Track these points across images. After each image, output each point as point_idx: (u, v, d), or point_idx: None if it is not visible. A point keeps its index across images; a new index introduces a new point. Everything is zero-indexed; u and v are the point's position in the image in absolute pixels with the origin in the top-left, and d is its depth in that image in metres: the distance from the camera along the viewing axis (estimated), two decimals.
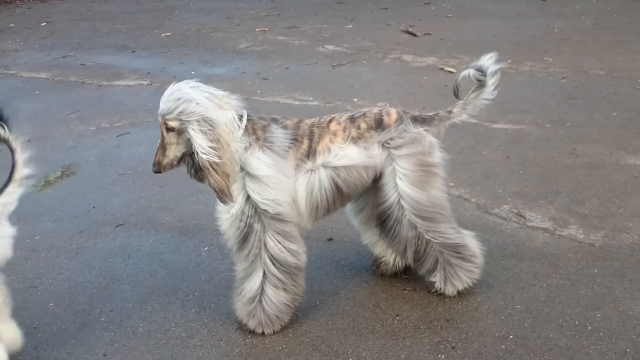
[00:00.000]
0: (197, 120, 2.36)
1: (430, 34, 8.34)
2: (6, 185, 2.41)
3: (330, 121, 2.70)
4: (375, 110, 2.77)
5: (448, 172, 4.07)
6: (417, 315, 2.81)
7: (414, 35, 8.33)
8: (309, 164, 2.60)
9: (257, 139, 2.52)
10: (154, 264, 3.34)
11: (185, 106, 2.36)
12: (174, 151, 2.44)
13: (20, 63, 7.76)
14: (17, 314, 2.93)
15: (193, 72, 7.04)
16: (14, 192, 2.42)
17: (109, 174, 4.51)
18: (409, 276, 3.07)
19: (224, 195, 2.43)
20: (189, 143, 2.41)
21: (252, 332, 2.72)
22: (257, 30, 9.16)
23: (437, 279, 2.87)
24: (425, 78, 6.50)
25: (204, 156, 2.35)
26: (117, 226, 3.76)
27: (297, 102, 5.95)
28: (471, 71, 2.74)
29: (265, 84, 6.55)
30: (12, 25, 10.29)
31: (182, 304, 2.98)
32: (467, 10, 9.81)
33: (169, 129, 2.41)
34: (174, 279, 3.19)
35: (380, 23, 9.27)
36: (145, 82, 6.76)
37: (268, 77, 6.82)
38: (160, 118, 2.43)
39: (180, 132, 2.40)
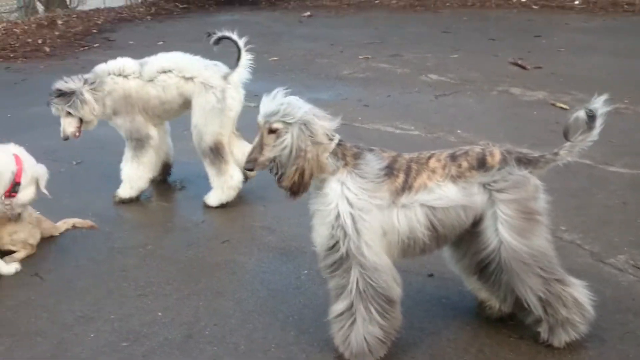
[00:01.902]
0: (299, 124, 2.44)
1: (540, 67, 8.10)
2: None
3: (429, 157, 2.66)
4: (478, 149, 2.69)
5: (560, 215, 3.97)
6: None
7: (524, 68, 8.12)
8: (403, 199, 2.55)
9: (346, 164, 2.54)
10: (256, 282, 3.43)
11: (290, 110, 2.46)
12: (269, 152, 2.52)
13: None
14: (128, 321, 3.12)
15: (297, 97, 7.23)
16: None
17: None
18: (516, 323, 2.94)
19: (294, 193, 2.51)
20: (281, 147, 2.49)
21: None
22: (360, 57, 9.27)
23: (542, 329, 2.75)
24: (535, 113, 6.31)
25: (292, 153, 2.44)
26: (224, 242, 3.90)
27: (398, 131, 5.95)
28: (581, 113, 2.62)
29: (366, 111, 6.60)
30: (132, 42, 11.03)
31: (282, 326, 3.03)
32: (579, 45, 9.45)
33: (272, 131, 2.48)
34: (275, 299, 3.26)
35: (488, 54, 9.11)
36: (252, 105, 6.99)
37: (369, 104, 6.88)
38: (261, 119, 2.50)
39: (279, 134, 2.48)
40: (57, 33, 11.75)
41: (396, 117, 6.35)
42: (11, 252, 3.73)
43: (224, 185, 4.35)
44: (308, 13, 14.13)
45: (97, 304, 3.28)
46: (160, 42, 10.89)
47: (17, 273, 3.58)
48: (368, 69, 8.58)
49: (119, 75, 4.30)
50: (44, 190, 3.71)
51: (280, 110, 2.46)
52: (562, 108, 6.27)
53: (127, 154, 4.45)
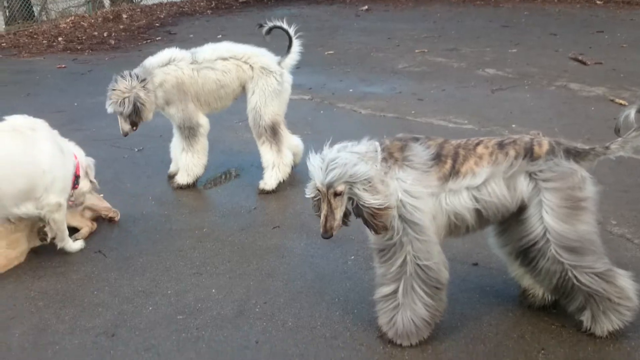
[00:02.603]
0: (361, 181, 2.49)
1: (601, 63, 7.90)
2: None
3: (477, 144, 2.71)
4: (527, 138, 2.72)
5: (611, 209, 3.93)
6: (564, 352, 2.72)
7: (584, 63, 7.94)
8: (450, 184, 2.63)
9: (396, 160, 2.61)
10: (304, 265, 3.56)
11: (347, 170, 2.48)
12: (340, 212, 2.58)
13: None
14: (183, 296, 3.30)
15: (351, 90, 7.32)
16: None
17: None
18: (559, 311, 2.97)
19: (383, 231, 2.57)
20: (347, 202, 2.58)
21: (391, 342, 2.80)
22: (416, 51, 9.26)
23: (585, 318, 2.76)
24: (592, 109, 6.19)
25: (371, 208, 2.50)
26: (274, 227, 4.05)
27: (451, 125, 5.96)
28: (632, 112, 2.60)
29: (420, 105, 6.62)
30: (192, 36, 11.36)
31: (328, 306, 3.14)
32: None
33: (337, 194, 2.53)
34: (322, 282, 3.38)
35: (548, 49, 8.94)
36: (306, 97, 7.14)
37: (423, 98, 6.89)
38: (323, 187, 2.51)
39: (342, 194, 2.54)
40: (121, 26, 12.24)
41: (450, 111, 6.35)
42: (75, 230, 4.00)
43: (279, 162, 4.58)
44: (366, 7, 14.16)
45: (155, 280, 3.48)
46: (220, 36, 11.17)
47: (82, 250, 3.83)
48: (424, 62, 8.57)
49: (168, 64, 4.49)
50: (93, 180, 3.98)
51: (341, 173, 2.48)
52: (621, 104, 6.12)
53: (181, 144, 4.66)
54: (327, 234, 2.55)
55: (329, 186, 2.49)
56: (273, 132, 4.56)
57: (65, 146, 3.76)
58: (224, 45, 4.68)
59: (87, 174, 3.91)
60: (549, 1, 13.59)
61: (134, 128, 4.53)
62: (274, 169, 4.59)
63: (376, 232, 2.60)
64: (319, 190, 2.54)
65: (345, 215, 2.65)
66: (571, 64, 8.01)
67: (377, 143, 2.65)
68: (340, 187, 2.50)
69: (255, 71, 4.53)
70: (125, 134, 4.52)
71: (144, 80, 4.41)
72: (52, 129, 3.72)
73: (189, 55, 4.55)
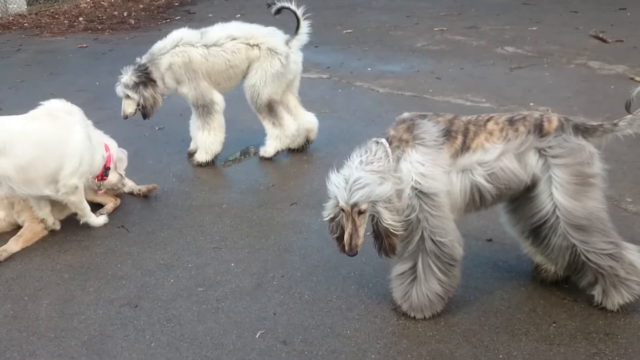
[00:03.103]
0: (383, 200, 2.54)
1: (622, 40, 7.79)
2: None
3: (488, 120, 2.74)
4: (536, 115, 2.74)
5: (627, 187, 3.93)
6: (575, 325, 2.77)
7: (605, 41, 7.84)
8: (462, 159, 2.66)
9: (407, 142, 2.64)
10: (321, 241, 3.63)
11: (373, 189, 2.51)
12: (363, 230, 2.61)
13: None
14: (204, 269, 3.40)
15: (369, 69, 7.32)
16: None
17: (287, 157, 4.92)
18: (570, 286, 3.01)
19: (392, 254, 2.65)
20: (367, 218, 2.61)
21: (405, 315, 2.88)
22: (435, 29, 9.20)
23: (596, 292, 2.81)
24: (612, 87, 6.13)
25: (388, 227, 2.57)
26: (292, 204, 4.13)
27: (468, 103, 5.95)
28: None
29: (437, 83, 6.61)
30: (211, 15, 11.38)
31: (344, 280, 3.22)
32: None
33: (361, 213, 2.56)
34: (338, 257, 3.43)
35: (569, 26, 8.82)
36: (324, 76, 7.16)
37: (441, 76, 6.87)
38: (348, 206, 2.53)
39: (366, 212, 2.57)
40: (141, 6, 12.31)
41: (468, 89, 6.33)
42: (100, 206, 4.12)
43: (281, 134, 4.76)
44: None
45: (177, 254, 3.58)
46: (239, 15, 11.18)
47: (105, 225, 3.95)
48: (443, 41, 8.52)
49: (176, 46, 4.57)
50: (121, 172, 4.11)
51: (364, 194, 2.50)
52: None
53: (197, 122, 4.76)
54: (352, 252, 2.59)
55: (354, 205, 2.52)
56: (270, 109, 4.71)
57: (96, 135, 3.88)
58: (234, 25, 4.76)
59: (116, 166, 4.04)
60: None
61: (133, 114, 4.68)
62: (275, 139, 4.79)
63: (385, 253, 2.67)
64: (342, 209, 2.57)
65: None
66: (592, 42, 7.91)
67: (383, 140, 2.67)
68: (364, 206, 2.54)
69: (262, 52, 4.62)
70: (126, 117, 4.66)
71: (145, 71, 4.53)
72: (83, 116, 3.84)
73: (198, 36, 4.62)
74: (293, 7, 4.61)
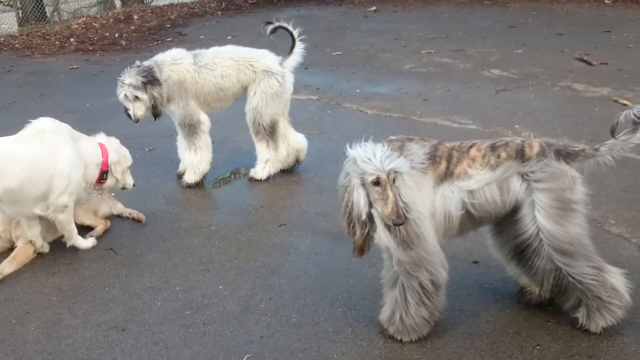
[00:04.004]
0: (402, 174, 2.56)
1: (607, 63, 7.95)
2: None
3: (471, 146, 2.80)
4: (518, 140, 2.80)
5: (610, 209, 4.00)
6: (559, 347, 2.80)
7: (589, 63, 7.99)
8: (445, 185, 2.71)
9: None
10: (309, 262, 3.66)
11: (399, 160, 2.53)
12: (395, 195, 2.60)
13: None
14: (191, 292, 3.41)
15: (358, 90, 7.41)
16: None
17: (276, 178, 4.96)
18: (554, 309, 3.05)
19: (408, 241, 2.60)
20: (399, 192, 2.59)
21: (392, 338, 2.90)
22: (422, 52, 9.34)
23: (580, 314, 2.84)
24: (596, 109, 6.24)
25: (407, 202, 2.55)
26: (281, 225, 4.15)
27: (455, 125, 6.03)
28: (631, 112, 2.64)
29: (425, 105, 6.71)
30: (202, 37, 11.49)
31: (331, 303, 3.24)
32: None
33: (394, 180, 2.55)
34: (325, 279, 3.48)
35: (554, 49, 8.99)
36: (314, 97, 7.24)
37: (429, 98, 6.97)
38: (385, 175, 2.49)
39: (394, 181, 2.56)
40: (132, 27, 12.40)
41: (455, 111, 6.42)
42: (90, 228, 4.12)
43: (274, 158, 4.81)
44: (374, 8, 14.24)
45: (164, 277, 3.59)
46: (230, 37, 11.29)
47: (93, 247, 3.95)
48: (430, 63, 8.65)
49: (173, 63, 4.63)
50: (117, 176, 4.03)
51: (398, 162, 2.52)
52: (624, 105, 6.17)
53: (183, 142, 4.79)
54: (400, 218, 2.49)
55: (390, 172, 2.50)
56: (271, 131, 4.77)
57: (88, 145, 3.87)
58: (227, 49, 4.83)
59: (113, 169, 3.98)
60: (557, 1, 13.62)
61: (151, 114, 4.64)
62: (267, 163, 4.84)
63: (402, 241, 2.61)
64: (378, 178, 2.49)
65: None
66: (576, 65, 8.06)
67: (380, 145, 2.71)
68: (395, 175, 2.52)
69: (258, 74, 4.69)
70: (137, 120, 4.63)
71: (151, 71, 4.53)
72: (72, 132, 3.83)
73: (192, 57, 4.68)
74: (290, 27, 4.72)
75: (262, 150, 4.83)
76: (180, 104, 4.65)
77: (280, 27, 4.72)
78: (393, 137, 2.83)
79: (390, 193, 2.50)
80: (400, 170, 2.52)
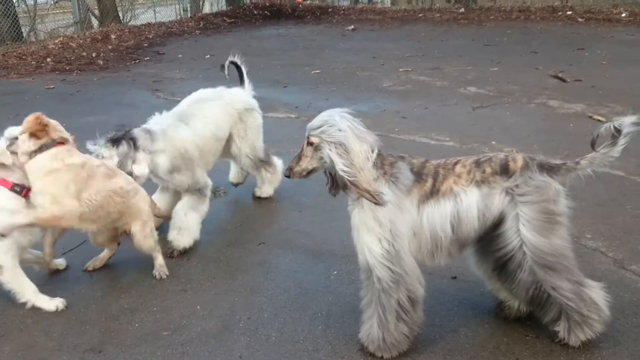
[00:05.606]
0: (334, 143, 2.61)
1: (581, 80, 8.11)
2: None
3: (455, 163, 2.82)
4: (501, 155, 2.83)
5: (586, 223, 4.04)
6: None
7: (564, 80, 8.14)
8: (431, 202, 2.73)
9: (385, 173, 2.72)
10: (288, 281, 3.63)
11: (328, 128, 2.63)
12: (307, 163, 2.72)
13: (185, 91, 8.51)
14: (169, 313, 3.36)
15: (345, 112, 7.44)
16: None
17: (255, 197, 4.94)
18: (533, 323, 3.06)
19: (372, 200, 2.63)
20: (321, 161, 2.70)
21: (372, 355, 2.88)
22: (400, 70, 9.44)
23: (560, 328, 2.86)
24: (571, 125, 6.35)
25: (343, 174, 2.60)
26: (260, 244, 4.13)
27: (433, 142, 6.09)
28: (611, 125, 2.69)
29: (403, 123, 6.76)
30: (180, 56, 11.49)
31: (311, 321, 3.22)
32: (623, 58, 9.39)
33: (309, 143, 2.69)
34: (305, 297, 3.45)
35: (529, 67, 9.15)
36: (293, 116, 7.26)
37: (407, 116, 7.03)
38: (307, 132, 2.70)
39: (317, 148, 2.67)
40: (110, 47, 12.35)
41: (432, 128, 6.49)
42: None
43: (274, 179, 4.86)
44: (352, 27, 14.39)
45: (141, 297, 3.54)
46: (208, 56, 11.31)
47: (69, 268, 3.88)
48: (408, 81, 8.74)
49: (165, 132, 4.02)
50: None
51: (322, 126, 2.64)
52: (599, 120, 6.29)
53: (186, 204, 4.29)
54: (286, 172, 2.76)
55: (307, 133, 2.67)
56: (267, 158, 4.79)
57: None
58: (203, 94, 4.47)
59: None
60: (531, 20, 13.90)
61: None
62: (269, 183, 4.87)
63: (371, 202, 2.63)
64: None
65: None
66: (551, 82, 8.20)
67: (378, 148, 2.71)
68: (314, 139, 2.65)
69: (240, 113, 4.56)
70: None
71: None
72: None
73: (179, 122, 4.16)
74: (237, 60, 4.80)
75: (266, 175, 4.83)
76: (189, 173, 4.14)
77: (232, 62, 4.81)
78: (391, 153, 2.83)
79: (299, 150, 2.71)
80: (327, 139, 2.61)
